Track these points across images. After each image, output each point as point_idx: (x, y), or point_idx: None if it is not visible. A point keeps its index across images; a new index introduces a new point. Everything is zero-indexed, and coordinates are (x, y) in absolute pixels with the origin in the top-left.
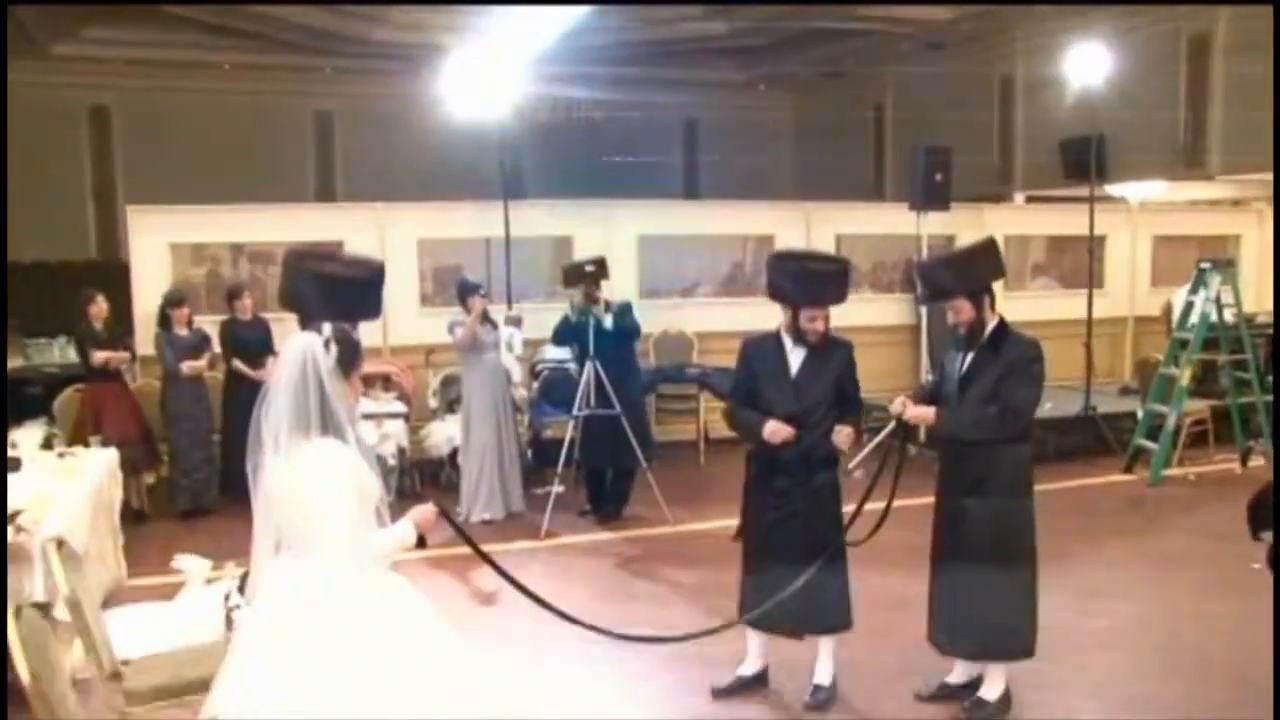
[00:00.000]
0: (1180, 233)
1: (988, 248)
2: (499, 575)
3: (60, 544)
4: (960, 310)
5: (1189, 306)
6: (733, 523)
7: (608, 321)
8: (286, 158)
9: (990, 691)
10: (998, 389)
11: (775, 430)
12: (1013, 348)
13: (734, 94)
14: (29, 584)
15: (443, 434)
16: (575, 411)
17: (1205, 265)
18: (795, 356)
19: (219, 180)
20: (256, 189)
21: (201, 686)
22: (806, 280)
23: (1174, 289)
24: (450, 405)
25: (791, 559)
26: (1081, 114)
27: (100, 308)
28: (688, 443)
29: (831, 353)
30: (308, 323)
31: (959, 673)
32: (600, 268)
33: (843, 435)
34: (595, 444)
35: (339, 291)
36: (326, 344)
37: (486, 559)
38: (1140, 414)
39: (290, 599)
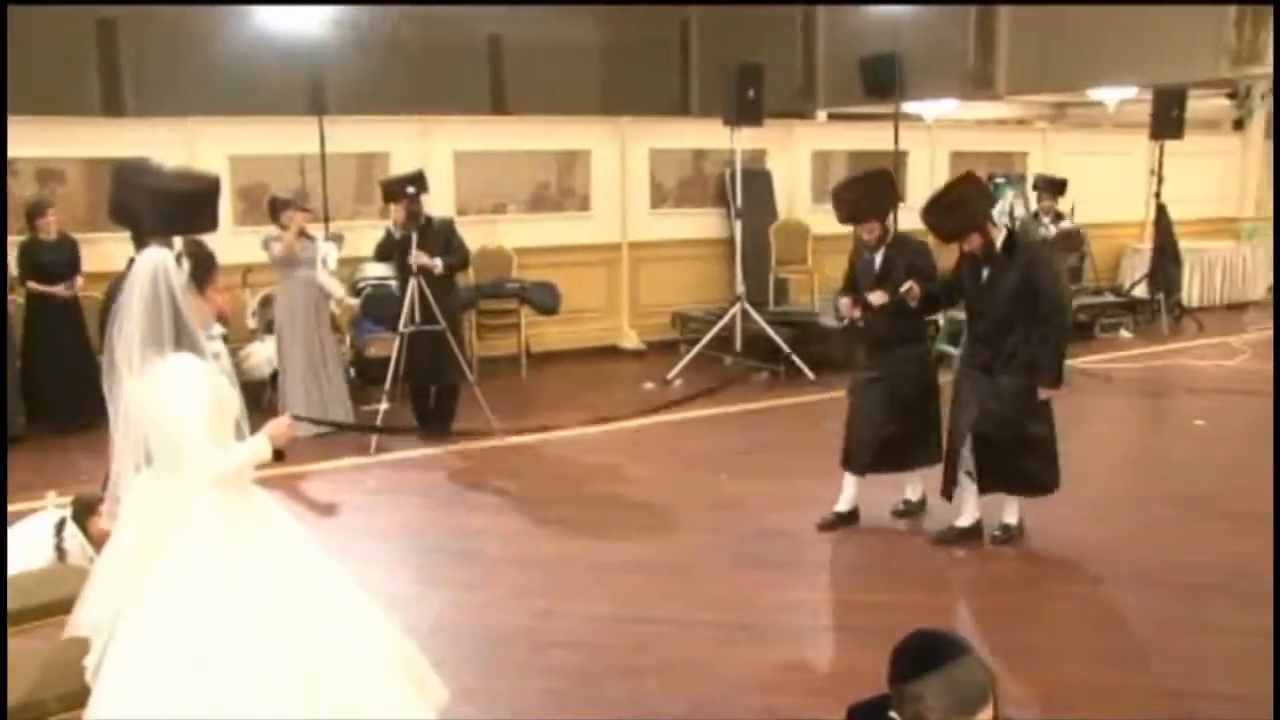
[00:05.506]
0: (973, 149)
1: (978, 186)
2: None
3: None
4: (973, 242)
5: None
6: (556, 434)
7: (437, 267)
8: (67, 68)
9: (1011, 516)
10: (1023, 284)
11: (847, 306)
12: (1024, 251)
13: (537, 10)
14: None
15: (263, 354)
16: (401, 328)
17: (1000, 180)
18: (878, 256)
19: None
20: (35, 101)
21: (56, 609)
22: (842, 205)
23: None
24: (269, 325)
25: (875, 414)
26: (880, 34)
27: None
28: (509, 357)
29: (904, 249)
30: (142, 239)
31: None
32: (419, 183)
33: (912, 292)
34: (418, 362)
35: (174, 205)
36: (179, 258)
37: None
38: (941, 321)
39: (151, 517)
